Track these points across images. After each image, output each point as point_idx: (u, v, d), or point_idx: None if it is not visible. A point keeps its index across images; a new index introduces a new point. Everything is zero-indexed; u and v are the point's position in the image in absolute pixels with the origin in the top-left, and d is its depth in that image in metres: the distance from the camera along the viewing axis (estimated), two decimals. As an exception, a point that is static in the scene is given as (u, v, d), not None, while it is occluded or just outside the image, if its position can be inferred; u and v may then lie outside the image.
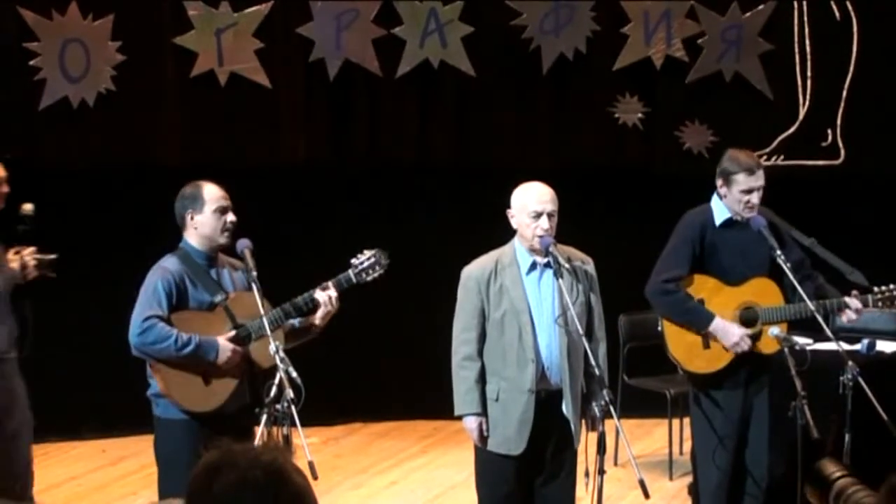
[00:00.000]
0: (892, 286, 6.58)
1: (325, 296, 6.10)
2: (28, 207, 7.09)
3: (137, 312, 6.01)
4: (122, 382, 7.73)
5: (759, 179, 6.55)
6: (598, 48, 10.14)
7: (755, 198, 6.55)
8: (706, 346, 6.61)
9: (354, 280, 6.20)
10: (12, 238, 7.01)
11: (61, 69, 9.15)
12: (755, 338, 6.57)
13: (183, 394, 6.03)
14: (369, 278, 6.26)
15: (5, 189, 7.06)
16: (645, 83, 10.23)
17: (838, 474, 3.42)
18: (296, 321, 6.23)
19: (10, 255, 6.93)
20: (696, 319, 6.60)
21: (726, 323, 6.56)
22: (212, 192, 6.14)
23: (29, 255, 6.89)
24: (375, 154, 10.06)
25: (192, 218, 6.12)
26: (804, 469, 5.69)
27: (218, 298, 6.06)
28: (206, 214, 6.10)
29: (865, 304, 6.56)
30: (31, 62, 9.09)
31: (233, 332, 6.04)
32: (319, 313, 6.14)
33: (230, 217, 6.12)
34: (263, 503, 2.70)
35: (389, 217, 9.78)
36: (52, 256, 7.08)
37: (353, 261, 6.25)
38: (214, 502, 2.70)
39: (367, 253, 6.26)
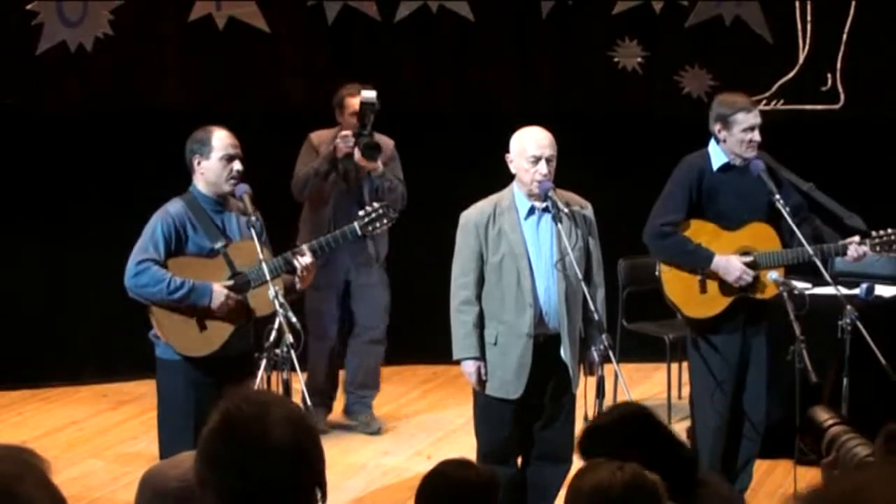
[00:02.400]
0: (890, 231, 6.57)
1: (300, 264, 6.06)
2: (367, 95, 7.70)
3: (133, 255, 6.02)
4: (123, 327, 7.78)
5: (757, 116, 6.58)
6: (598, -8, 10.10)
7: (757, 135, 6.55)
8: (703, 290, 6.61)
9: (360, 232, 6.21)
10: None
11: (59, 13, 9.09)
12: (753, 282, 6.57)
13: (178, 338, 6.04)
14: (377, 231, 6.29)
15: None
16: (645, 27, 10.17)
17: (831, 422, 3.43)
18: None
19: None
20: (697, 259, 6.58)
21: (727, 258, 6.54)
22: (220, 139, 6.09)
23: (342, 137, 7.82)
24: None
25: (198, 163, 6.09)
26: (802, 413, 5.71)
27: (218, 245, 6.04)
28: (212, 161, 6.07)
29: (872, 250, 6.56)
30: (28, 6, 9.02)
31: (230, 281, 6.04)
32: (299, 275, 6.11)
33: (237, 166, 6.08)
34: (310, 435, 2.86)
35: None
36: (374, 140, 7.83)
37: (360, 212, 6.25)
38: (272, 451, 2.76)
39: (376, 205, 6.26)
